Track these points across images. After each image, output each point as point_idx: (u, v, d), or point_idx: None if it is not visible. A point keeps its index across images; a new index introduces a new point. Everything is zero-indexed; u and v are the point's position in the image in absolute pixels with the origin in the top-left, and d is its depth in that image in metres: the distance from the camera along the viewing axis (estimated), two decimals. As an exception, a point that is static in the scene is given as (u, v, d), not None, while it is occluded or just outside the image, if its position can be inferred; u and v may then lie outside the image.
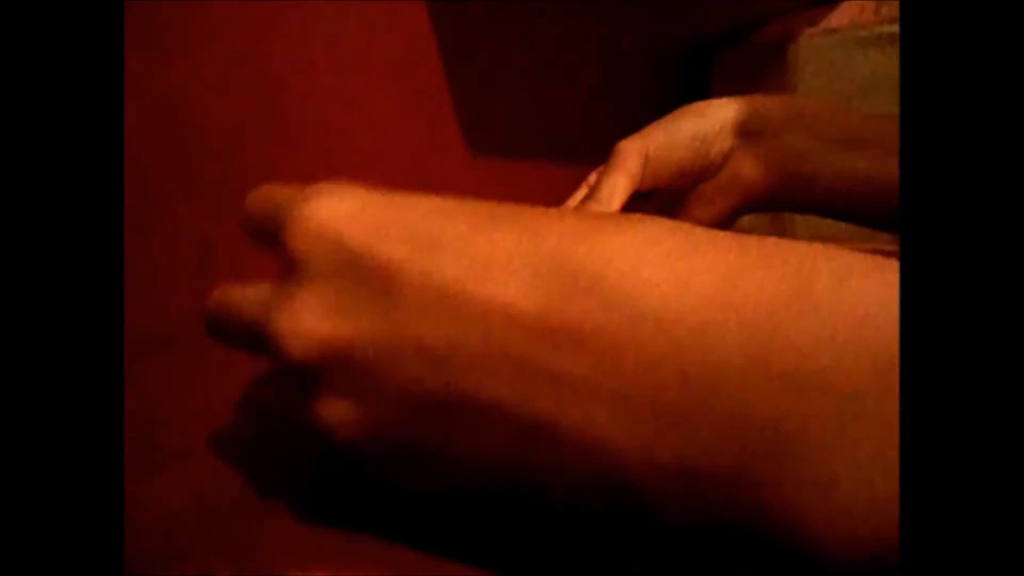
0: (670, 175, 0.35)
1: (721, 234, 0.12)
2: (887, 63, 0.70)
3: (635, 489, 0.11)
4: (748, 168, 0.35)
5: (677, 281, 0.11)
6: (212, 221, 0.50)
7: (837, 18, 0.74)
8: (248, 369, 0.25)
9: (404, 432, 0.14)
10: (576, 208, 0.15)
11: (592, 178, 0.38)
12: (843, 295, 0.10)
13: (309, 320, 0.15)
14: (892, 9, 0.70)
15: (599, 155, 0.80)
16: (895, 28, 0.69)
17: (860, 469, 0.10)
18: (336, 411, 0.15)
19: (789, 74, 0.77)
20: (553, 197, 0.71)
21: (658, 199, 0.37)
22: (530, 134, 0.70)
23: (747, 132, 0.35)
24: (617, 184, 0.32)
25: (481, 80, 0.65)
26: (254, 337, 0.16)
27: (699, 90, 0.89)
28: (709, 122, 0.35)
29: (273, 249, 0.16)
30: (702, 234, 0.12)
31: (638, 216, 0.13)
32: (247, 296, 0.17)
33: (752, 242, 0.12)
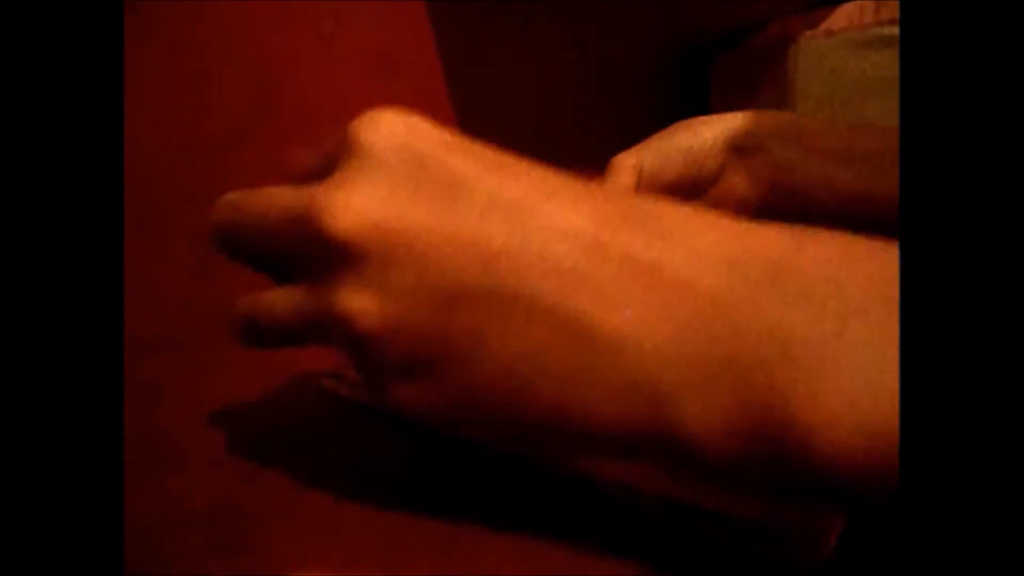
0: (663, 190, 0.36)
1: (746, 221, 0.15)
2: (887, 65, 0.70)
3: (656, 383, 0.13)
4: (740, 183, 0.36)
5: (717, 238, 0.14)
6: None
7: (836, 20, 0.74)
8: (248, 369, 0.25)
9: (428, 331, 0.15)
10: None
11: None
12: (838, 247, 0.13)
13: (365, 200, 0.15)
14: (892, 11, 0.70)
15: (598, 156, 0.80)
16: (895, 30, 0.69)
17: (859, 372, 0.12)
18: (363, 298, 0.15)
19: (788, 76, 0.77)
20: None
21: None
22: (529, 135, 0.70)
23: (739, 148, 0.36)
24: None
25: (481, 80, 0.65)
26: (294, 218, 0.16)
27: (698, 92, 0.89)
28: (702, 138, 0.36)
29: (291, 236, 0.16)
30: (732, 219, 0.15)
31: (676, 202, 0.16)
32: (281, 192, 0.17)
33: (772, 224, 0.15)
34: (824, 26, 0.74)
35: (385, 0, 0.58)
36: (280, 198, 0.17)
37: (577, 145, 0.75)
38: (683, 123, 0.38)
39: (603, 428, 0.14)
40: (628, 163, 0.36)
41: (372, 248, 0.15)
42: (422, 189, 0.15)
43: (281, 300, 0.17)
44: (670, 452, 0.14)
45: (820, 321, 0.12)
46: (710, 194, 0.37)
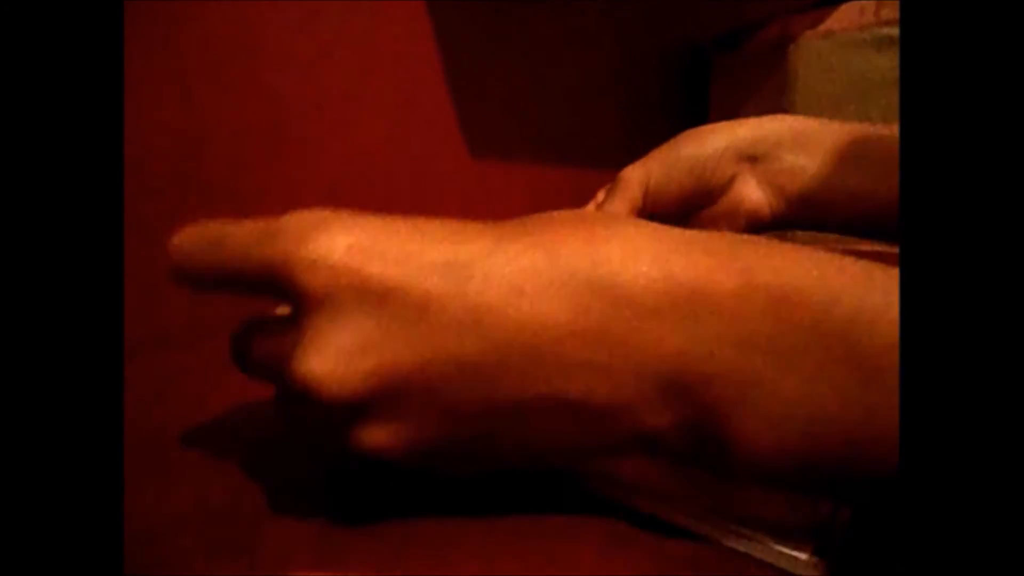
0: (672, 201, 0.36)
1: (688, 235, 0.16)
2: (887, 65, 0.70)
3: (639, 421, 0.15)
4: (749, 193, 0.36)
5: (665, 279, 0.15)
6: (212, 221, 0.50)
7: (837, 20, 0.74)
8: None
9: (450, 442, 0.16)
10: (573, 212, 0.16)
11: (600, 196, 0.40)
12: (777, 281, 0.14)
13: (344, 360, 0.15)
14: (892, 11, 0.70)
15: (598, 157, 0.80)
16: (895, 30, 0.69)
17: (769, 397, 0.14)
18: (380, 436, 0.15)
19: (788, 76, 0.77)
20: (552, 197, 0.71)
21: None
22: (529, 135, 0.70)
23: (747, 157, 0.36)
24: (618, 212, 0.35)
25: (481, 81, 0.65)
26: (287, 392, 0.16)
27: (699, 92, 0.89)
28: (709, 149, 0.36)
29: (258, 292, 0.16)
30: (677, 236, 0.16)
31: (622, 221, 0.16)
32: (270, 336, 0.17)
33: (713, 242, 0.16)
34: (824, 26, 0.74)
35: (385, 0, 0.58)
36: (269, 354, 0.16)
37: (577, 145, 0.75)
38: (690, 132, 0.37)
39: (602, 452, 0.16)
40: (635, 176, 0.36)
41: (371, 396, 0.15)
42: (395, 324, 0.15)
43: (299, 425, 0.17)
44: (650, 451, 0.16)
45: (764, 370, 0.14)
46: (720, 204, 0.37)
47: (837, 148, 0.35)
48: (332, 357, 0.15)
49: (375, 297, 0.15)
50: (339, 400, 0.15)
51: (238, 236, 0.16)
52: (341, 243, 0.15)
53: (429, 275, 0.15)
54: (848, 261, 0.15)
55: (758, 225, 0.37)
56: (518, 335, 0.15)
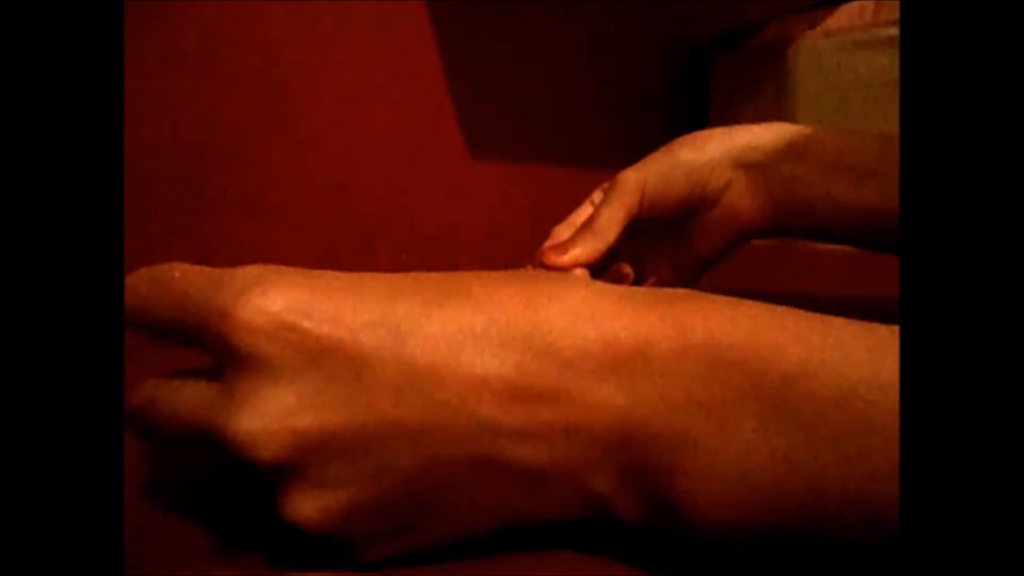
0: (667, 206, 0.36)
1: (627, 294, 0.16)
2: (887, 65, 0.70)
3: (585, 488, 0.15)
4: (744, 201, 0.36)
5: (605, 340, 0.15)
6: (212, 220, 0.50)
7: (836, 20, 0.74)
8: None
9: (383, 511, 0.15)
10: (513, 273, 0.16)
11: (596, 196, 0.39)
12: (714, 339, 0.14)
13: (279, 418, 0.14)
14: (892, 11, 0.70)
15: (598, 157, 0.80)
16: (895, 31, 0.69)
17: (713, 455, 0.14)
18: (309, 504, 0.15)
19: (787, 76, 0.77)
20: (551, 197, 0.71)
21: (659, 226, 0.38)
22: (529, 135, 0.70)
23: (742, 164, 0.36)
24: (615, 216, 0.34)
25: (481, 81, 0.65)
26: (202, 439, 0.15)
27: (699, 92, 0.89)
28: (705, 155, 0.35)
29: (191, 345, 0.16)
30: (617, 296, 0.16)
31: (562, 282, 0.16)
32: (186, 396, 0.16)
33: (652, 301, 0.16)
34: (824, 26, 0.74)
35: (385, 0, 0.58)
36: (184, 413, 0.16)
37: (577, 145, 0.75)
38: (687, 138, 0.37)
39: (547, 519, 0.16)
40: (632, 180, 0.35)
41: (301, 458, 0.14)
42: (332, 384, 0.14)
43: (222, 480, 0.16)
44: (599, 516, 0.16)
45: (701, 431, 0.14)
46: (714, 211, 0.37)
47: (835, 159, 0.35)
48: (265, 415, 0.14)
49: (310, 356, 0.14)
50: (271, 460, 0.14)
51: (183, 283, 0.16)
52: (278, 302, 0.15)
53: (366, 334, 0.15)
54: (790, 316, 0.15)
55: (751, 234, 0.38)
56: (457, 396, 0.14)
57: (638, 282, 0.41)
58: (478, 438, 0.14)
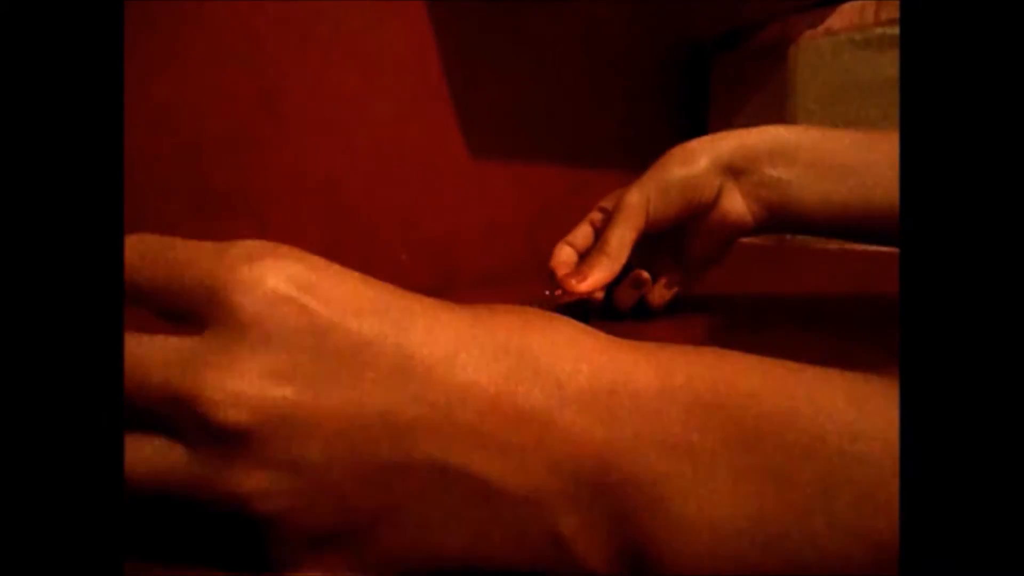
0: (668, 220, 0.38)
1: (617, 337, 0.16)
2: (887, 65, 0.70)
3: (554, 529, 0.14)
4: (735, 205, 0.39)
5: (590, 372, 0.15)
6: (211, 220, 0.50)
7: (837, 20, 0.74)
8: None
9: (345, 500, 0.14)
10: (509, 306, 0.16)
11: (596, 216, 0.42)
12: (692, 382, 0.15)
13: (253, 382, 0.13)
14: (892, 11, 0.70)
15: (598, 157, 0.80)
16: (895, 30, 0.69)
17: (691, 503, 0.13)
18: (260, 481, 0.14)
19: (788, 76, 0.77)
20: (551, 198, 0.71)
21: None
22: (529, 135, 0.70)
23: (733, 170, 0.38)
24: (625, 238, 0.37)
25: (481, 80, 0.65)
26: (164, 397, 0.14)
27: (699, 92, 0.89)
28: (696, 169, 0.38)
29: (182, 307, 0.15)
30: (604, 337, 0.16)
31: (558, 320, 0.16)
32: (156, 348, 0.14)
33: (640, 344, 0.16)
34: (824, 26, 0.74)
35: (385, 0, 0.58)
36: (153, 366, 0.14)
37: (577, 145, 0.75)
38: (677, 152, 0.39)
39: (511, 566, 0.15)
40: (637, 202, 0.38)
41: (268, 431, 0.13)
42: (322, 361, 0.14)
43: (146, 459, 0.14)
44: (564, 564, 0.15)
45: (677, 472, 0.14)
46: (709, 216, 0.39)
47: (822, 160, 0.37)
48: (244, 375, 0.13)
49: (306, 331, 0.14)
50: (234, 424, 0.13)
51: (183, 249, 0.15)
52: (284, 271, 0.14)
53: (367, 319, 0.14)
54: (772, 365, 0.15)
55: (745, 234, 0.40)
56: (444, 398, 0.14)
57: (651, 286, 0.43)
58: (457, 446, 0.14)
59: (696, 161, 0.38)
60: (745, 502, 0.13)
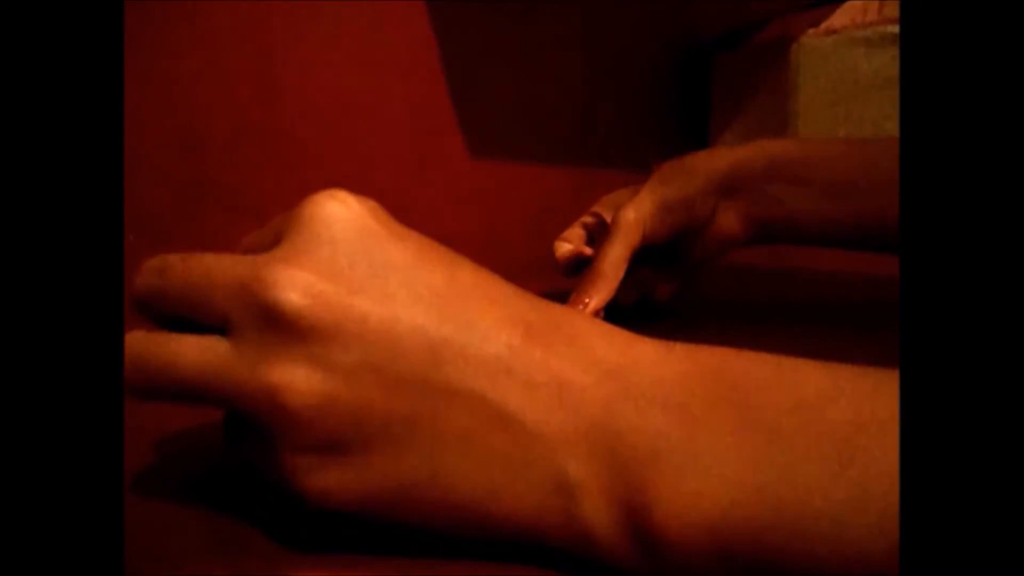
0: (663, 237, 0.40)
1: (630, 335, 0.17)
2: (889, 64, 0.70)
3: (565, 475, 0.15)
4: (729, 220, 0.41)
5: (605, 340, 0.16)
6: (212, 220, 0.50)
7: (839, 18, 0.74)
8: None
9: (366, 412, 0.15)
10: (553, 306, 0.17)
11: (588, 220, 0.44)
12: (700, 354, 0.16)
13: (314, 275, 0.15)
14: (894, 9, 0.70)
15: (598, 157, 0.80)
16: (897, 29, 0.69)
17: (700, 474, 0.14)
18: (297, 374, 0.14)
19: (789, 75, 0.77)
20: (552, 197, 0.71)
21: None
22: (529, 135, 0.70)
23: (727, 188, 0.40)
24: (620, 256, 0.38)
25: (481, 81, 0.65)
26: (237, 286, 0.15)
27: (699, 92, 0.89)
28: (692, 189, 0.40)
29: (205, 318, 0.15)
30: (619, 333, 0.17)
31: (584, 318, 0.17)
32: (226, 258, 0.16)
33: (637, 338, 0.17)
34: (826, 24, 0.74)
35: (387, 0, 0.58)
36: (220, 266, 0.16)
37: (577, 145, 0.75)
38: (673, 167, 0.41)
39: (519, 518, 0.15)
40: (632, 219, 0.39)
41: (318, 323, 0.14)
42: (371, 272, 0.15)
43: (193, 351, 0.15)
44: (575, 545, 0.15)
45: (676, 427, 0.14)
46: (706, 231, 0.41)
47: (802, 173, 0.39)
48: (306, 269, 0.15)
49: (364, 246, 0.16)
50: (290, 307, 0.14)
51: (208, 259, 0.16)
52: (354, 199, 0.16)
53: (425, 242, 0.17)
54: (770, 355, 0.16)
55: (737, 243, 0.42)
56: (481, 324, 0.15)
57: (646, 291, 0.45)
58: (484, 371, 0.15)
59: (692, 180, 0.40)
60: (743, 461, 0.14)
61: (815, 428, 0.13)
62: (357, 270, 0.15)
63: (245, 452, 0.17)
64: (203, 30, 0.48)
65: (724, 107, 0.86)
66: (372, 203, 0.17)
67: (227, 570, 0.15)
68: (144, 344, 0.16)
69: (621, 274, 0.38)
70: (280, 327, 0.14)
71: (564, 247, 0.43)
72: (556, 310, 0.17)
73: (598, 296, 0.38)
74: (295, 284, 0.15)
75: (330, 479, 0.15)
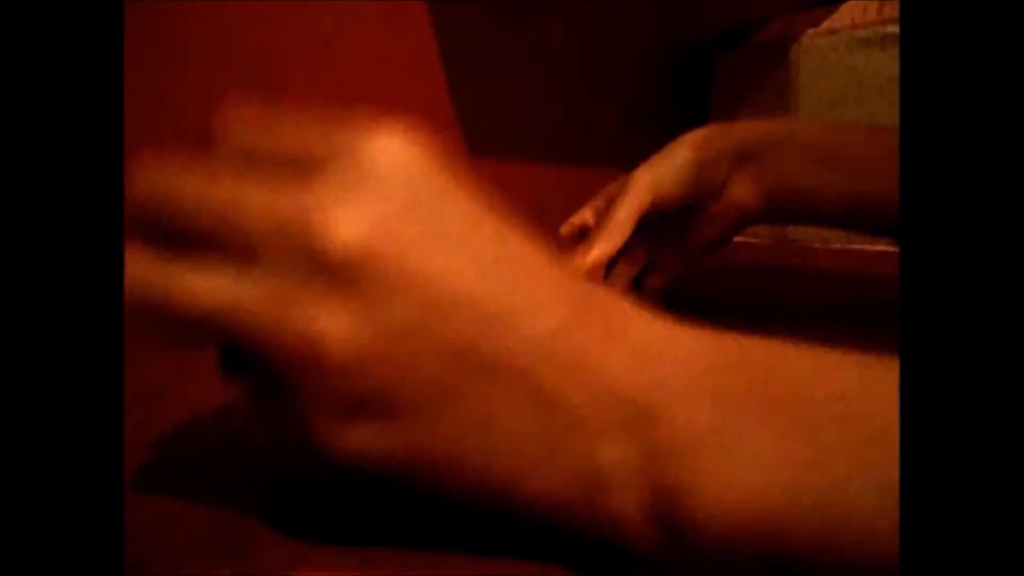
0: (675, 201, 0.40)
1: (670, 321, 0.17)
2: (889, 63, 0.70)
3: (597, 461, 0.14)
4: (742, 193, 0.41)
5: (643, 324, 0.16)
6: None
7: (839, 18, 0.74)
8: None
9: (406, 373, 0.14)
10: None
11: (600, 201, 0.43)
12: (735, 340, 0.16)
13: (372, 221, 0.13)
14: (894, 9, 0.70)
15: (598, 156, 0.80)
16: (897, 29, 0.69)
17: (734, 463, 0.14)
18: (340, 324, 0.13)
19: (790, 74, 0.77)
20: (552, 197, 0.71)
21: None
22: (529, 135, 0.70)
23: (740, 158, 0.40)
24: (630, 213, 0.38)
25: (481, 81, 0.65)
26: (279, 221, 0.13)
27: (699, 92, 0.89)
28: (706, 152, 0.39)
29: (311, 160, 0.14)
30: (659, 318, 0.16)
31: (626, 302, 0.17)
32: (262, 186, 0.14)
33: (676, 325, 0.16)
34: (827, 24, 0.74)
35: (386, 0, 0.58)
36: (254, 192, 0.14)
37: (577, 145, 0.75)
38: (689, 138, 0.40)
39: (547, 498, 0.15)
40: (645, 180, 0.39)
41: (370, 273, 0.13)
42: (431, 226, 0.14)
43: (212, 283, 0.14)
44: (599, 528, 0.15)
45: (712, 417, 0.14)
46: (717, 202, 0.41)
47: (817, 151, 0.39)
48: (362, 213, 0.13)
49: (427, 193, 0.14)
50: (346, 246, 0.13)
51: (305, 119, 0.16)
52: (417, 143, 0.15)
53: (486, 206, 0.16)
54: (807, 346, 0.15)
55: (750, 221, 0.42)
56: (532, 297, 0.15)
57: (649, 267, 0.45)
58: (528, 347, 0.14)
59: (708, 147, 0.39)
60: (778, 455, 0.13)
61: (848, 421, 0.13)
62: (416, 221, 0.14)
63: (260, 404, 0.15)
64: (203, 31, 0.48)
65: (724, 107, 0.86)
66: (435, 149, 0.15)
67: (228, 570, 0.15)
68: (152, 267, 0.14)
69: (628, 231, 0.38)
70: (327, 271, 0.13)
71: (570, 222, 0.43)
72: (599, 292, 0.16)
73: (601, 245, 0.37)
74: (350, 228, 0.13)
75: (358, 439, 0.14)
